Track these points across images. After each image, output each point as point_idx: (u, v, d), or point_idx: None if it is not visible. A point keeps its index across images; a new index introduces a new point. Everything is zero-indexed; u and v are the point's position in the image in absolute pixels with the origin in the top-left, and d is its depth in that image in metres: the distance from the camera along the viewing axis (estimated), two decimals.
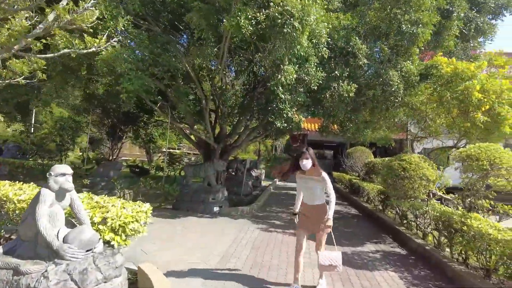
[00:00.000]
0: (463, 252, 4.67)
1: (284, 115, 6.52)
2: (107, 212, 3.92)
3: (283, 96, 6.01)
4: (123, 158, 27.19)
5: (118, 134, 15.50)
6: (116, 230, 3.82)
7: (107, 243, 3.78)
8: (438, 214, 5.29)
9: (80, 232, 3.28)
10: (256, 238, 5.97)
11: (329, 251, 3.62)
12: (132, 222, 3.94)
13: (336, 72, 6.76)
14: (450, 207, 6.22)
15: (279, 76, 5.68)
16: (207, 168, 8.83)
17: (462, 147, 7.67)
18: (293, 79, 5.95)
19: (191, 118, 11.18)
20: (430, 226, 5.96)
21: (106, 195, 8.95)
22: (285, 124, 6.76)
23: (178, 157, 22.57)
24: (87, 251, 3.31)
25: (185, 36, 8.90)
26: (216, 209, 8.37)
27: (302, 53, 5.74)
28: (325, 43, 6.21)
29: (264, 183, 18.34)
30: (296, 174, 3.91)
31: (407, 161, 5.70)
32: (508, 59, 7.03)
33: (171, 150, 27.39)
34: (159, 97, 9.52)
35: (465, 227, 4.36)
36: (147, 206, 4.36)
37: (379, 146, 18.82)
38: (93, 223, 3.71)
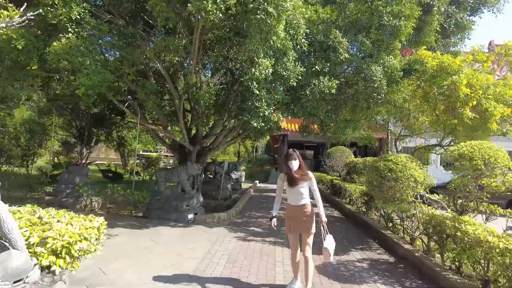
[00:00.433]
0: (456, 260, 4.29)
1: (261, 114, 5.99)
2: (49, 230, 3.26)
3: (258, 92, 5.48)
4: (98, 162, 25.96)
5: (87, 137, 14.50)
6: (58, 252, 3.16)
7: (47, 268, 3.13)
8: (427, 218, 4.92)
9: (5, 259, 2.64)
10: (232, 250, 5.40)
11: (330, 241, 3.87)
12: (79, 241, 3.30)
13: (316, 67, 6.31)
14: (437, 209, 5.89)
15: (254, 70, 5.14)
16: (180, 172, 8.19)
17: (448, 145, 7.41)
18: (269, 74, 5.44)
19: (165, 119, 10.50)
20: (418, 230, 5.61)
21: (70, 204, 8.08)
22: (263, 124, 6.23)
23: (154, 160, 21.65)
24: (16, 282, 2.68)
25: (154, 30, 8.24)
26: (190, 216, 7.74)
27: (278, 45, 5.24)
28: (304, 35, 5.74)
29: (244, 186, 17.79)
30: (280, 175, 3.96)
31: (393, 162, 5.30)
32: (489, 55, 6.80)
33: (147, 154, 26.40)
34: (129, 96, 8.81)
35: (459, 233, 3.98)
36: (100, 221, 3.73)
37: (360, 145, 18.69)
38: (29, 245, 3.05)
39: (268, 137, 32.63)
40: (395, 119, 8.65)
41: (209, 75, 11.10)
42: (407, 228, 5.95)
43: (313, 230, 3.81)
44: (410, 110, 7.82)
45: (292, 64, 6.04)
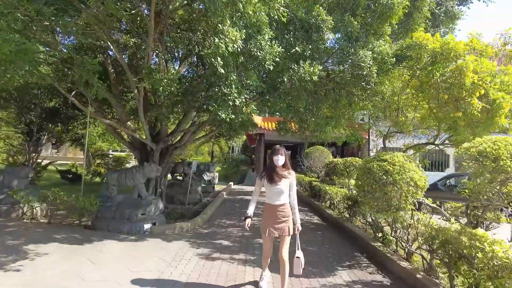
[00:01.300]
0: (473, 287, 3.37)
1: (231, 103, 4.88)
2: None
3: (222, 71, 4.34)
4: (63, 162, 23.93)
5: (37, 134, 12.79)
6: None
7: None
8: (431, 231, 3.99)
9: None
10: (190, 274, 4.23)
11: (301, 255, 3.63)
12: None
13: (296, 48, 5.27)
14: (438, 219, 5.01)
15: (218, 41, 4.02)
16: (136, 174, 6.92)
17: (442, 143, 6.61)
18: (239, 50, 4.34)
19: (123, 113, 9.17)
20: (416, 243, 4.70)
21: (4, 212, 6.55)
22: (233, 116, 5.12)
23: (121, 160, 20.00)
24: None
25: None
26: (146, 227, 6.50)
27: (250, 12, 4.15)
28: (281, 3, 4.69)
29: (218, 188, 16.59)
30: (260, 172, 3.82)
31: (389, 162, 4.35)
32: (487, 45, 6.04)
33: (116, 153, 24.60)
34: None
35: (480, 253, 3.05)
36: None
37: (339, 145, 17.99)
38: None
39: (244, 137, 31.53)
40: (382, 115, 7.78)
41: (178, 65, 9.88)
42: (401, 240, 5.04)
43: (291, 232, 3.59)
44: (399, 104, 6.97)
45: (268, 43, 4.97)
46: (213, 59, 4.15)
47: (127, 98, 11.23)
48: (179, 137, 10.13)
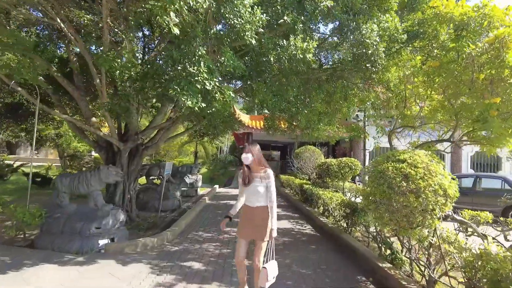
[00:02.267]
0: None
1: (199, 85, 3.71)
2: None
3: (176, 31, 3.13)
4: (39, 164, 22.34)
5: None
6: None
7: None
8: (473, 258, 2.89)
9: None
10: None
11: (273, 265, 3.21)
12: None
13: (285, 18, 4.13)
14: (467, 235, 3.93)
15: None
16: (90, 179, 5.66)
17: (459, 140, 5.57)
18: (208, 7, 3.18)
19: (86, 107, 7.89)
20: (441, 267, 3.62)
21: None
22: (203, 105, 3.95)
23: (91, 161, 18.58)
24: None
25: None
26: (101, 244, 5.27)
27: None
28: None
29: (202, 191, 15.36)
30: (239, 172, 3.52)
31: (410, 163, 3.23)
32: None
33: (95, 154, 23.07)
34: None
35: None
36: None
37: (331, 145, 16.99)
38: None
39: (233, 137, 30.26)
40: (386, 108, 6.69)
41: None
42: (418, 262, 3.96)
43: (267, 238, 3.31)
44: (405, 94, 5.90)
45: (249, 10, 3.82)
46: (164, 17, 2.96)
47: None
48: (153, 135, 8.90)
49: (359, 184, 13.10)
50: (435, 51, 4.69)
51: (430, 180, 3.09)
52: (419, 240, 3.64)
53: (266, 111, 11.54)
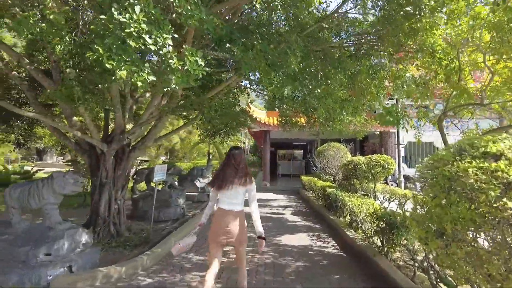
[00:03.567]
0: None
1: (134, 44, 2.29)
2: None
3: None
4: (57, 169, 22.02)
5: None
6: None
7: None
8: None
9: None
10: None
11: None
12: None
13: None
14: None
15: None
16: (42, 191, 4.40)
17: None
18: None
19: (67, 105, 6.72)
20: None
21: None
22: (151, 78, 2.53)
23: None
24: None
25: None
26: (50, 276, 3.98)
27: None
28: None
29: None
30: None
31: None
32: None
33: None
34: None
35: None
36: None
37: (357, 140, 15.17)
38: None
39: (252, 138, 28.84)
40: (432, 83, 4.94)
41: None
42: None
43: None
44: (459, 62, 4.17)
45: None
46: None
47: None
48: (142, 134, 7.61)
49: (392, 185, 11.23)
50: None
51: None
52: None
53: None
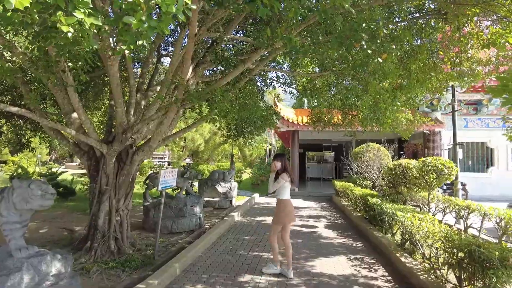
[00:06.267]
0: None
1: None
2: None
3: None
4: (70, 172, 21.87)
5: None
6: None
7: None
8: None
9: None
10: None
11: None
12: None
13: None
14: None
15: None
16: (1, 202, 3.36)
17: None
18: None
19: (64, 99, 5.79)
20: None
21: None
22: (97, 22, 1.30)
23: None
24: None
25: None
26: None
27: None
28: None
29: (238, 200, 12.90)
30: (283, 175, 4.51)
31: None
32: None
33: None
34: None
35: None
36: None
37: (404, 139, 13.43)
38: None
39: (278, 139, 27.43)
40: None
41: None
42: None
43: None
44: None
45: None
46: None
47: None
48: (149, 131, 6.52)
49: (445, 194, 9.47)
50: None
51: None
52: None
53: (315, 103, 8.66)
